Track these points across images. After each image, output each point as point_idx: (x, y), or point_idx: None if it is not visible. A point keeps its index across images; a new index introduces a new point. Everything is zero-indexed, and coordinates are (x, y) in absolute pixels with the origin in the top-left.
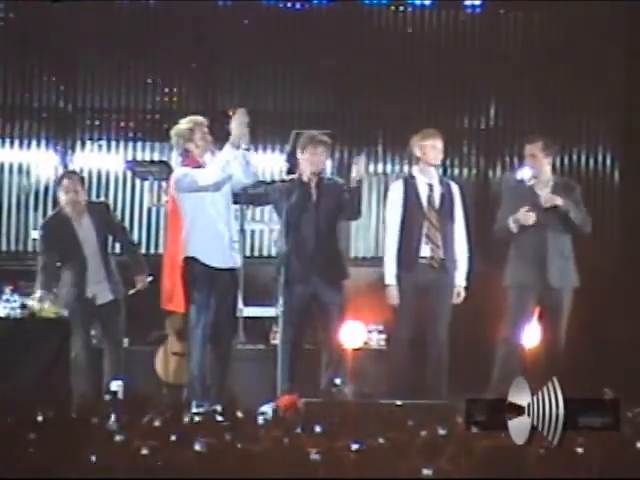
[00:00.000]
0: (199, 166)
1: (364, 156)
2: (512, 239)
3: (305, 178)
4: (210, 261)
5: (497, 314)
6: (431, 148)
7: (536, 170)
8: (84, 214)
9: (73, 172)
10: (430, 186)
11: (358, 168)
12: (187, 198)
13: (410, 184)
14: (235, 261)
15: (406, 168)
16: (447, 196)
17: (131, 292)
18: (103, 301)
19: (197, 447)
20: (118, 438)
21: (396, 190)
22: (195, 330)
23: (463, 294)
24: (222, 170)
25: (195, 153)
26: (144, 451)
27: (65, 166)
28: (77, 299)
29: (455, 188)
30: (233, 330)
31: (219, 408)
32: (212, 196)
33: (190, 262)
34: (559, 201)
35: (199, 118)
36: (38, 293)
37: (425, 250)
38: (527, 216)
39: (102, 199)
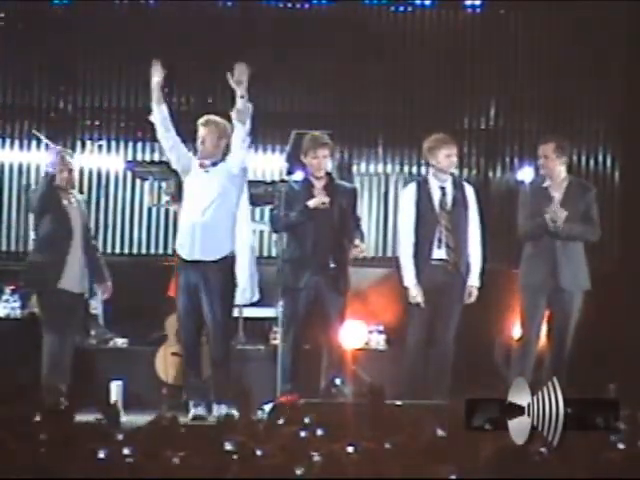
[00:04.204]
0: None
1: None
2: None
3: (311, 180)
4: (182, 253)
5: (496, 313)
6: (445, 157)
7: (549, 171)
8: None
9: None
10: (443, 189)
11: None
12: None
13: (423, 188)
14: (204, 253)
15: (406, 168)
16: (460, 198)
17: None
18: (75, 290)
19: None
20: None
21: (409, 193)
22: (182, 329)
23: (475, 294)
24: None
25: None
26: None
27: None
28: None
29: (469, 190)
30: (222, 330)
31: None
32: (190, 187)
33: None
34: (561, 221)
35: (213, 117)
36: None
37: (439, 253)
38: (559, 211)
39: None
